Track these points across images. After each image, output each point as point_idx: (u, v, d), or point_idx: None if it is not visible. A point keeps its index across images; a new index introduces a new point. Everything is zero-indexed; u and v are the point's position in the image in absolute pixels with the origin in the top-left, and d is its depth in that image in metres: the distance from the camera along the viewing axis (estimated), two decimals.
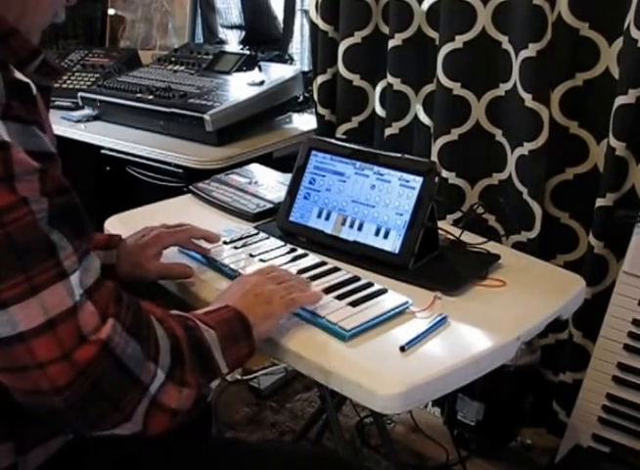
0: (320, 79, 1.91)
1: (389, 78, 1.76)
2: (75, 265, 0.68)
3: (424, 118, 1.79)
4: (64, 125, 1.98)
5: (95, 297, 0.68)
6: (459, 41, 1.59)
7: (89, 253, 0.71)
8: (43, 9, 0.78)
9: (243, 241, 1.21)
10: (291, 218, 1.27)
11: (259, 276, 0.99)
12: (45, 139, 0.69)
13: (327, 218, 1.23)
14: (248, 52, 2.15)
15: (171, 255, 1.15)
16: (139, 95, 1.94)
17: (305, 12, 2.28)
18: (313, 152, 1.28)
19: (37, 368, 0.65)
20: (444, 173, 1.69)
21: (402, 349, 0.91)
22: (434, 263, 1.16)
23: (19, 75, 0.68)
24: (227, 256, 1.15)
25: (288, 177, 1.33)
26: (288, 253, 1.17)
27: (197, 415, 0.79)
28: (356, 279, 1.07)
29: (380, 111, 1.87)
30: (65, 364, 0.65)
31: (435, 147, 1.70)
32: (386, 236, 1.16)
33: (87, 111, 2.06)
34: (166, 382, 0.73)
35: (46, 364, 0.65)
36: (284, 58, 2.29)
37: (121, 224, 1.30)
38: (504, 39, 1.57)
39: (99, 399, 0.68)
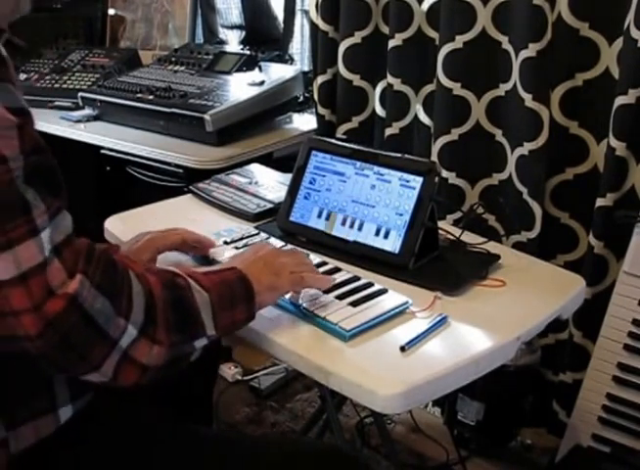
0: (320, 79, 1.91)
1: (390, 78, 1.76)
2: (46, 223, 0.70)
3: (424, 119, 1.79)
4: (64, 125, 1.98)
5: (63, 254, 0.71)
6: (459, 41, 1.60)
7: (61, 211, 0.73)
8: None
9: (243, 241, 1.21)
10: (291, 218, 1.27)
11: (276, 248, 0.99)
12: (18, 95, 0.71)
13: (327, 218, 1.23)
14: (248, 52, 2.16)
15: (172, 255, 1.15)
16: (139, 95, 1.94)
17: (305, 12, 2.28)
18: (313, 152, 1.28)
19: (12, 316, 0.69)
20: (444, 173, 1.69)
21: (402, 349, 0.91)
22: (435, 263, 1.16)
23: None
24: (228, 256, 1.15)
25: (288, 177, 1.33)
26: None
27: (178, 377, 0.81)
28: (356, 279, 1.07)
29: (380, 111, 1.87)
30: (35, 315, 0.68)
31: (436, 147, 1.70)
32: (386, 236, 1.16)
33: (87, 111, 2.05)
34: (138, 338, 0.75)
35: (19, 313, 0.68)
36: (284, 58, 2.29)
37: (122, 224, 1.30)
38: (504, 39, 1.57)
39: (67, 351, 0.71)
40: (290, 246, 1.19)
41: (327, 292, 1.02)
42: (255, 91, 1.90)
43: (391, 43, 1.72)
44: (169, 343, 0.77)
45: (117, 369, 0.74)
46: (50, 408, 0.84)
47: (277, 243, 1.20)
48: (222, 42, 2.49)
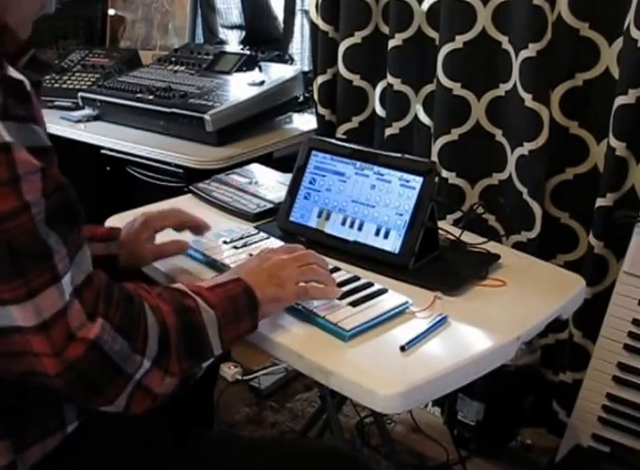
0: (320, 79, 1.91)
1: (390, 78, 1.76)
2: (67, 267, 0.70)
3: (424, 118, 1.79)
4: (64, 125, 1.98)
5: (83, 295, 0.71)
6: (459, 41, 1.60)
7: (82, 246, 0.74)
8: (28, 1, 0.78)
9: (243, 241, 1.21)
10: (291, 218, 1.27)
11: (282, 255, 0.98)
12: (42, 133, 0.71)
13: (327, 218, 1.23)
14: (248, 52, 2.16)
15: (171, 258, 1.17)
16: (139, 95, 1.94)
17: (305, 12, 2.28)
18: (313, 152, 1.28)
19: (33, 356, 0.69)
20: (444, 173, 1.69)
21: (402, 348, 0.91)
22: (435, 263, 1.16)
23: (13, 73, 0.69)
24: (227, 256, 1.15)
25: (288, 177, 1.33)
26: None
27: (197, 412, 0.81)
28: (356, 279, 1.07)
29: (380, 111, 1.87)
30: (56, 359, 0.69)
31: (436, 147, 1.70)
32: (386, 236, 1.16)
33: (87, 111, 2.06)
34: (151, 369, 0.76)
35: (40, 355, 0.69)
36: (284, 58, 2.29)
37: (122, 224, 1.29)
38: (504, 39, 1.57)
39: (84, 388, 0.73)
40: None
41: None
42: (255, 91, 1.90)
43: (391, 43, 1.72)
44: (180, 372, 0.79)
45: (130, 400, 0.76)
46: (59, 428, 0.84)
47: (277, 243, 1.20)
48: (222, 42, 2.49)
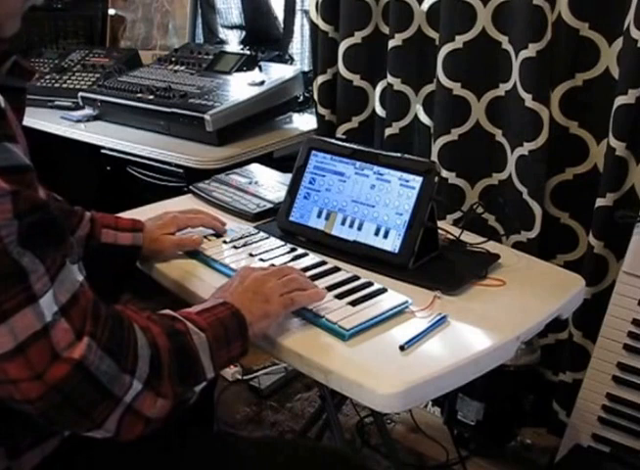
0: (320, 79, 1.91)
1: (389, 78, 1.76)
2: (47, 286, 0.67)
3: (424, 118, 1.79)
4: (64, 125, 1.98)
5: (70, 313, 0.69)
6: (459, 41, 1.60)
7: (65, 264, 0.70)
8: None
9: (243, 240, 1.21)
10: (291, 218, 1.27)
11: (260, 271, 0.98)
12: (17, 152, 0.67)
13: (327, 218, 1.23)
14: (248, 52, 2.16)
15: (172, 256, 1.18)
16: (139, 95, 1.94)
17: (306, 12, 2.28)
18: (313, 152, 1.28)
19: (10, 383, 0.67)
20: (444, 173, 1.69)
21: (402, 348, 0.91)
22: (434, 263, 1.16)
23: None
24: (227, 255, 1.15)
25: (288, 177, 1.33)
26: (288, 252, 1.17)
27: (197, 416, 0.79)
28: (356, 278, 1.07)
29: (380, 111, 1.87)
30: (36, 383, 0.66)
31: (435, 147, 1.70)
32: (385, 236, 1.16)
33: (87, 111, 2.05)
34: (143, 391, 0.73)
35: (18, 382, 0.66)
36: (284, 58, 2.29)
37: None
38: (504, 39, 1.57)
39: (69, 410, 0.69)
40: (288, 246, 1.20)
41: (327, 291, 1.01)
42: (255, 91, 1.90)
43: (391, 43, 1.72)
44: (173, 394, 0.77)
45: (120, 423, 0.73)
46: (55, 432, 0.83)
47: (277, 243, 1.20)
48: (222, 42, 2.49)
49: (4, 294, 0.65)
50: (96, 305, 0.72)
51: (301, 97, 2.13)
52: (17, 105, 0.73)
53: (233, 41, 2.48)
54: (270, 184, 1.48)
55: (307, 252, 1.18)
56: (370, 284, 1.05)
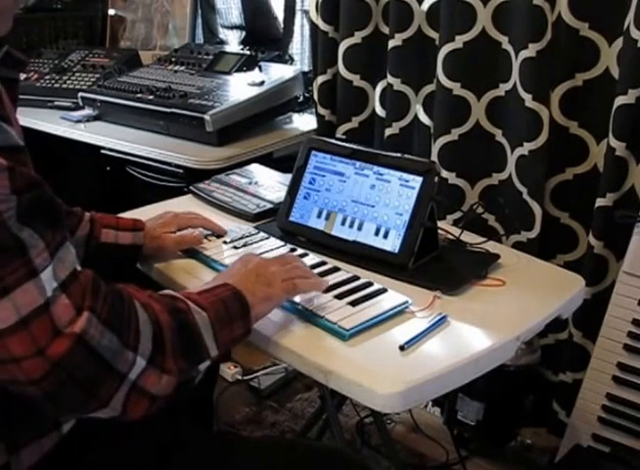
0: (320, 79, 1.91)
1: (389, 78, 1.76)
2: (47, 261, 0.68)
3: (424, 119, 1.79)
4: (64, 126, 1.98)
5: (70, 289, 0.69)
6: (459, 41, 1.60)
7: (64, 243, 0.71)
8: None
9: (243, 241, 1.21)
10: (291, 218, 1.27)
11: (263, 258, 0.99)
12: (12, 133, 0.69)
13: (327, 218, 1.23)
14: (248, 52, 2.16)
15: (172, 256, 1.18)
16: (139, 95, 1.94)
17: (305, 12, 2.28)
18: (313, 152, 1.28)
19: (13, 362, 0.66)
20: (444, 173, 1.69)
21: (402, 348, 0.91)
22: (434, 263, 1.16)
23: None
24: (227, 256, 1.15)
25: (288, 177, 1.33)
26: (288, 252, 1.17)
27: (195, 407, 0.79)
28: (356, 279, 1.07)
29: (380, 111, 1.87)
30: (39, 359, 0.66)
31: (435, 147, 1.70)
32: (385, 236, 1.16)
33: (87, 111, 2.05)
34: (147, 368, 0.73)
35: (20, 360, 0.66)
36: (284, 58, 2.29)
37: None
38: (504, 39, 1.57)
39: (74, 388, 0.69)
40: (288, 246, 1.20)
41: (326, 291, 1.02)
42: (255, 91, 1.90)
43: (391, 43, 1.72)
44: (177, 370, 0.77)
45: (126, 402, 0.72)
46: (54, 427, 0.83)
47: (277, 243, 1.20)
48: (222, 42, 2.49)
49: (5, 268, 0.65)
50: (95, 282, 0.72)
51: (301, 97, 2.13)
52: (10, 95, 0.74)
53: (233, 41, 2.48)
54: (270, 184, 1.48)
55: (307, 252, 1.18)
56: (370, 284, 1.05)
